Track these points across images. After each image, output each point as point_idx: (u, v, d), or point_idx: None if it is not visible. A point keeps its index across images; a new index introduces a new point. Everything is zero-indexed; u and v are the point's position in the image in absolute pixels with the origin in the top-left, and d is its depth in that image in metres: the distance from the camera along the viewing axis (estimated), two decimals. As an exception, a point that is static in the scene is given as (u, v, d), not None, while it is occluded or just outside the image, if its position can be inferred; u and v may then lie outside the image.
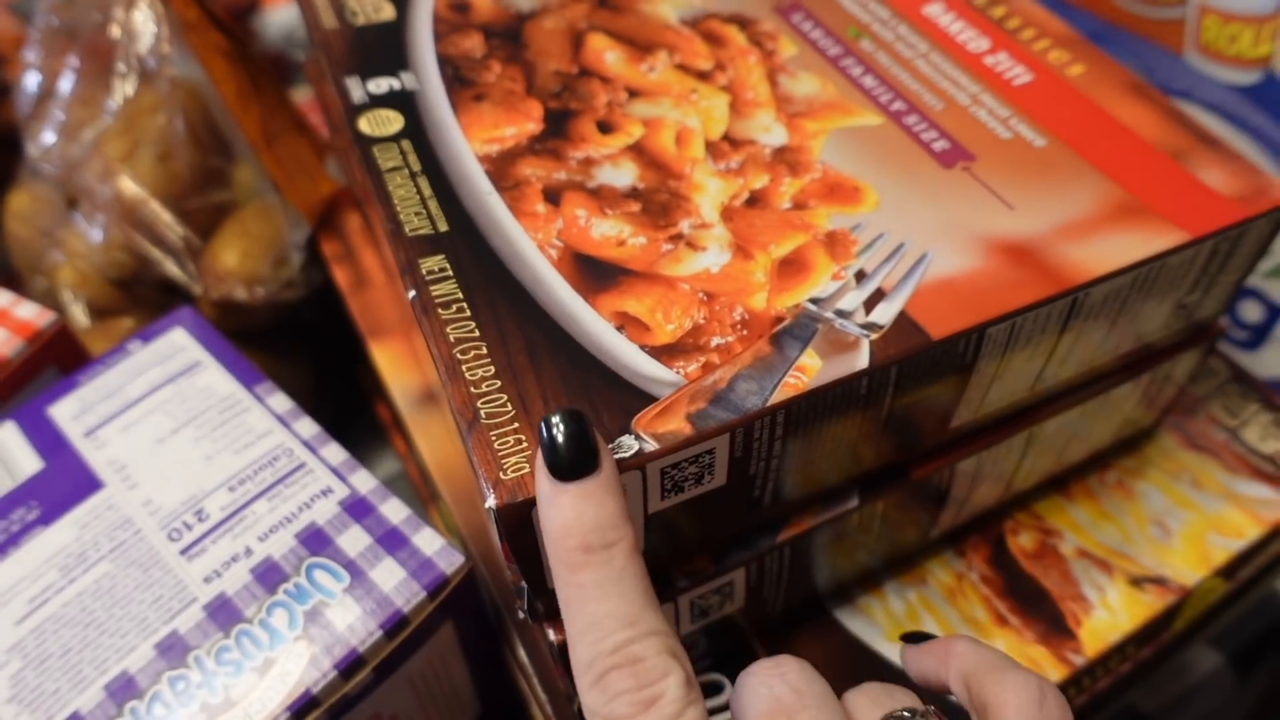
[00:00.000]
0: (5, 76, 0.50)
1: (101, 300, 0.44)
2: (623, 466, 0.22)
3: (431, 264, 0.26)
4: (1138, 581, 0.32)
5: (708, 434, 0.23)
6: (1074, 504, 0.34)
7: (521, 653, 0.31)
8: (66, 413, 0.34)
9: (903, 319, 0.25)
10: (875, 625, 0.32)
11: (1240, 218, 0.28)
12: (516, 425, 0.23)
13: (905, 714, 0.21)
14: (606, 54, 0.33)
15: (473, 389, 0.23)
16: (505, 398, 0.23)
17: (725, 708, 0.30)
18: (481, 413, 0.23)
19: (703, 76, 0.32)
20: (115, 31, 0.38)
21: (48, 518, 0.31)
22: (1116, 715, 0.45)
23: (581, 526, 0.20)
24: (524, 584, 0.24)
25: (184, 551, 0.30)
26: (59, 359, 0.38)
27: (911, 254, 0.27)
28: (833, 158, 0.30)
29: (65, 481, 0.32)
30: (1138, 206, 0.28)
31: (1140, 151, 0.30)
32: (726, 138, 0.30)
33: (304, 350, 0.48)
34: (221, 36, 0.40)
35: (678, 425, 0.23)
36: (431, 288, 0.26)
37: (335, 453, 0.32)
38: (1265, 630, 0.46)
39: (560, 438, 0.21)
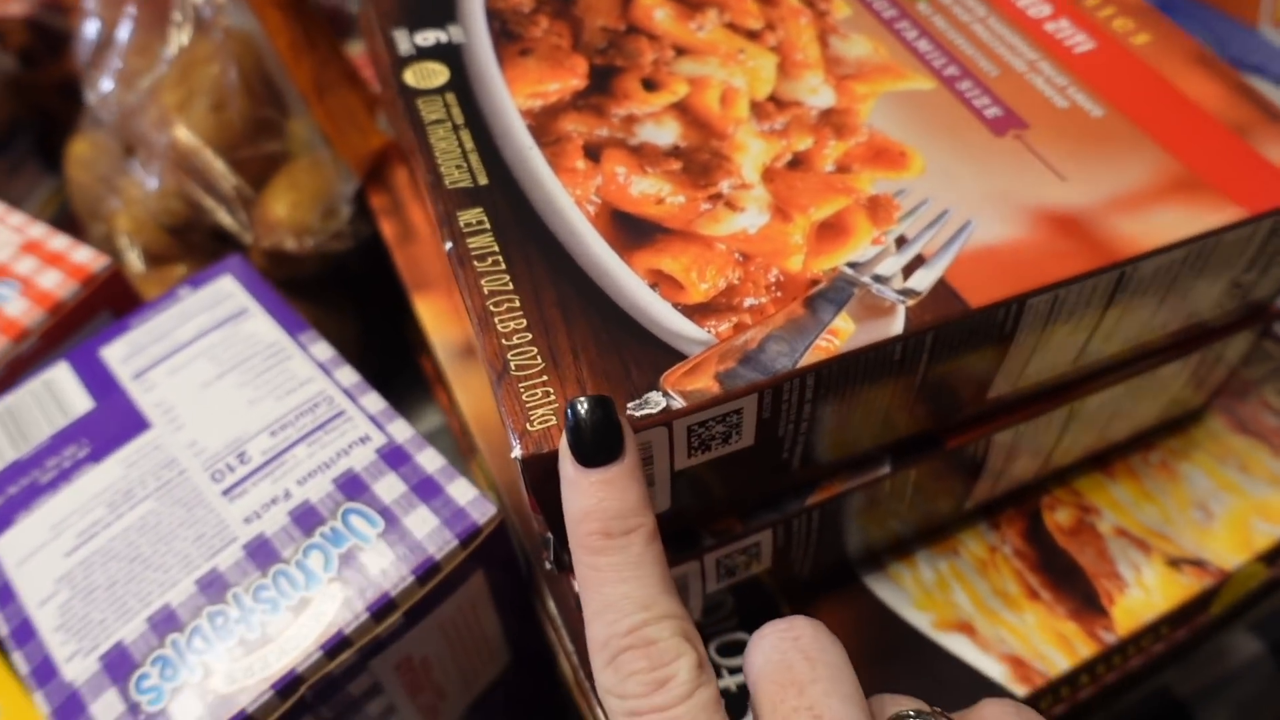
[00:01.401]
0: (66, 24, 0.51)
1: (156, 247, 0.45)
2: (649, 423, 0.22)
3: (470, 216, 0.26)
4: (1176, 563, 0.32)
5: (735, 394, 0.23)
6: (1115, 482, 0.34)
7: (551, 604, 0.32)
8: (117, 355, 0.35)
9: (941, 286, 0.25)
10: (904, 593, 0.32)
11: (1302, 194, 0.27)
12: (545, 378, 0.23)
13: (911, 714, 0.20)
14: (656, 11, 0.33)
15: (504, 341, 0.24)
16: (535, 350, 0.24)
17: (749, 669, 0.30)
18: (511, 364, 0.23)
19: (752, 36, 0.32)
20: (172, -20, 0.39)
21: (97, 455, 0.32)
22: (1150, 697, 0.44)
23: (602, 512, 0.21)
24: (550, 534, 0.25)
25: (226, 492, 0.31)
26: (112, 303, 0.39)
27: (955, 221, 0.26)
28: (880, 121, 0.29)
29: (115, 421, 0.33)
30: (1195, 181, 0.27)
31: (1202, 125, 0.29)
32: (772, 98, 0.30)
33: (350, 302, 0.49)
34: (276, -13, 0.41)
35: (706, 384, 0.23)
36: (468, 240, 0.26)
37: (374, 401, 0.33)
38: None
39: (586, 423, 0.21)
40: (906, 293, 0.25)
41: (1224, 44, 0.40)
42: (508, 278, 0.25)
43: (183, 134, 0.41)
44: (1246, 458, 0.34)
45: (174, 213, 0.43)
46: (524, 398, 0.23)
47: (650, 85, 0.30)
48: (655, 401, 0.22)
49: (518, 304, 0.24)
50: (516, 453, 0.22)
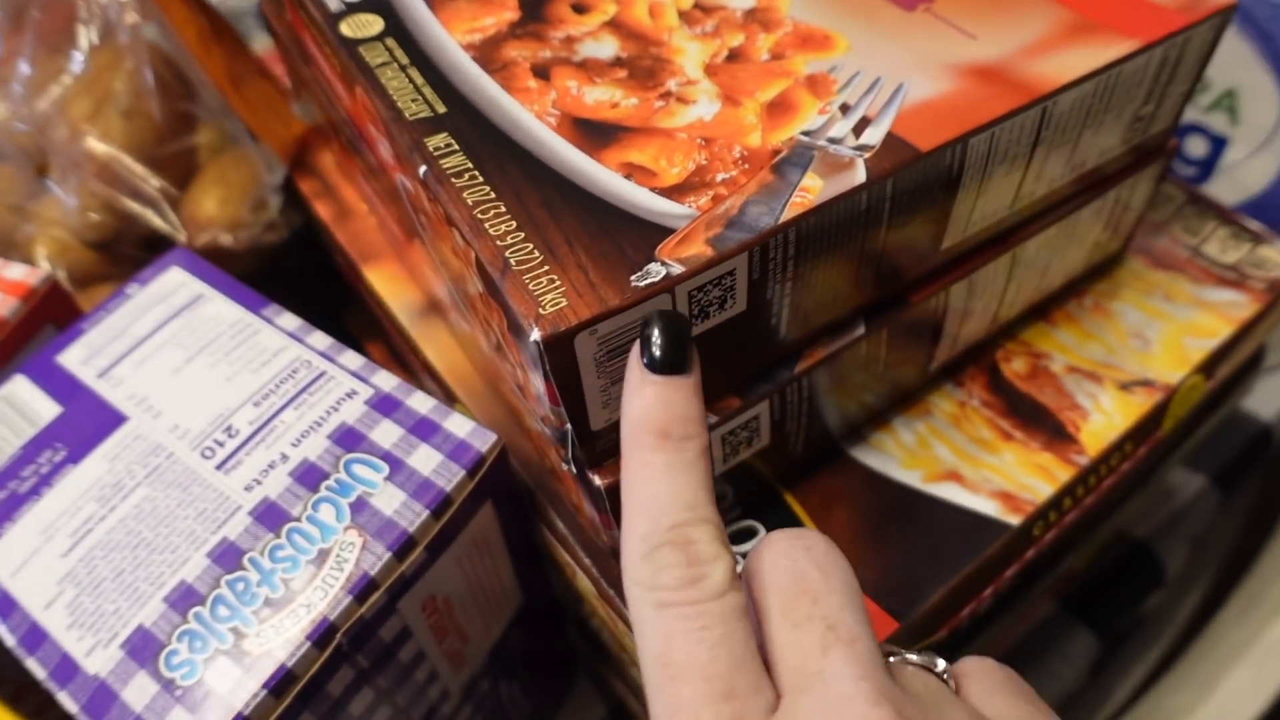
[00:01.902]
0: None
1: (82, 267, 0.44)
2: (653, 291, 0.23)
3: (437, 141, 0.27)
4: (1127, 386, 0.34)
5: (728, 253, 0.24)
6: (1057, 328, 0.36)
7: (560, 524, 0.33)
8: (76, 358, 0.34)
9: (891, 138, 0.27)
10: (890, 456, 0.33)
11: (1184, 24, 0.30)
12: (547, 268, 0.24)
13: (904, 654, 0.21)
14: (567, -56, 0.34)
15: (498, 242, 0.24)
16: (531, 246, 0.24)
17: (760, 549, 0.32)
18: (511, 261, 0.24)
19: (663, -45, 0.33)
20: (70, -17, 0.38)
21: (76, 456, 0.32)
22: (1113, 541, 0.47)
23: (666, 415, 0.21)
24: (568, 426, 0.25)
25: (220, 466, 0.31)
26: (55, 317, 0.38)
27: (889, 85, 0.28)
28: (800, 13, 0.31)
29: (87, 420, 0.33)
30: (1090, 24, 0.30)
31: (1085, -23, 0.32)
32: (697, 6, 0.32)
33: (287, 298, 0.49)
34: (174, -17, 0.41)
35: (699, 249, 0.24)
36: (441, 161, 0.27)
37: (352, 359, 0.33)
38: (1241, 449, 0.49)
39: (658, 335, 0.22)
40: (861, 148, 0.26)
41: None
42: (488, 188, 0.26)
43: (97, 144, 0.41)
44: (1169, 288, 0.37)
45: (99, 226, 0.42)
46: (530, 287, 0.23)
47: (580, 9, 0.31)
48: (655, 271, 0.24)
49: (503, 209, 0.25)
50: (535, 336, 0.23)
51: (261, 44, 0.61)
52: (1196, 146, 0.45)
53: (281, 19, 0.41)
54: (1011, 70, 0.28)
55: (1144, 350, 0.35)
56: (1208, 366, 0.35)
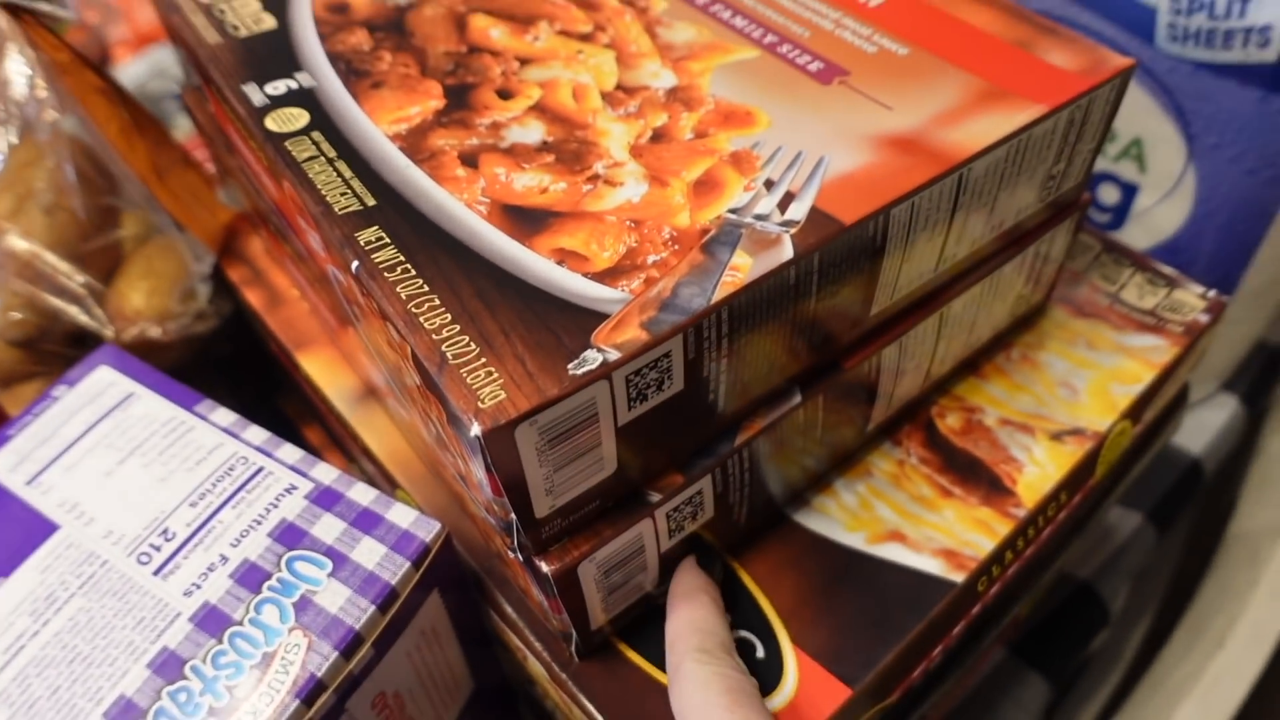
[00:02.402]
0: None
1: (5, 366, 0.43)
2: (590, 378, 0.24)
3: (368, 234, 0.27)
4: (1058, 436, 0.35)
5: (663, 336, 0.24)
6: (988, 382, 0.37)
7: (509, 608, 0.32)
8: (3, 466, 0.33)
9: (815, 213, 0.27)
10: (834, 520, 0.34)
11: (1087, 87, 0.31)
12: (484, 360, 0.24)
13: None
14: (491, 30, 0.34)
15: (434, 336, 0.24)
16: (467, 338, 0.24)
17: (712, 620, 0.32)
18: (448, 354, 0.24)
19: (585, 38, 0.34)
20: (-14, 84, 0.38)
21: (5, 569, 0.31)
22: (1059, 584, 0.48)
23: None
24: (513, 516, 0.25)
25: (157, 572, 0.30)
26: (-21, 421, 0.37)
27: (810, 159, 0.29)
28: (721, 91, 0.32)
29: (16, 531, 0.32)
30: (999, 91, 0.31)
31: (991, 46, 0.33)
32: (620, 87, 0.32)
33: (221, 386, 0.48)
34: (95, 76, 0.40)
35: (634, 334, 0.24)
36: (373, 256, 0.27)
37: (290, 452, 0.33)
38: (1173, 484, 0.51)
39: None
40: (787, 224, 0.27)
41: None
42: (421, 281, 0.26)
43: (18, 241, 0.40)
44: (1091, 336, 0.38)
45: (22, 324, 0.41)
46: (468, 381, 0.23)
47: (505, 94, 0.32)
48: (592, 358, 0.24)
49: (437, 301, 0.25)
50: (475, 431, 0.23)
51: (183, 128, 0.61)
52: (1109, 194, 0.47)
53: (204, 109, 0.41)
54: (927, 139, 0.29)
55: (1072, 399, 0.36)
56: (1134, 412, 0.36)
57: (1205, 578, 0.53)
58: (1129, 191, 0.46)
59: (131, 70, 0.69)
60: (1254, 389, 0.55)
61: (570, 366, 0.24)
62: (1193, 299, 0.39)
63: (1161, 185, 0.45)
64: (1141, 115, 0.44)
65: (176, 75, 0.70)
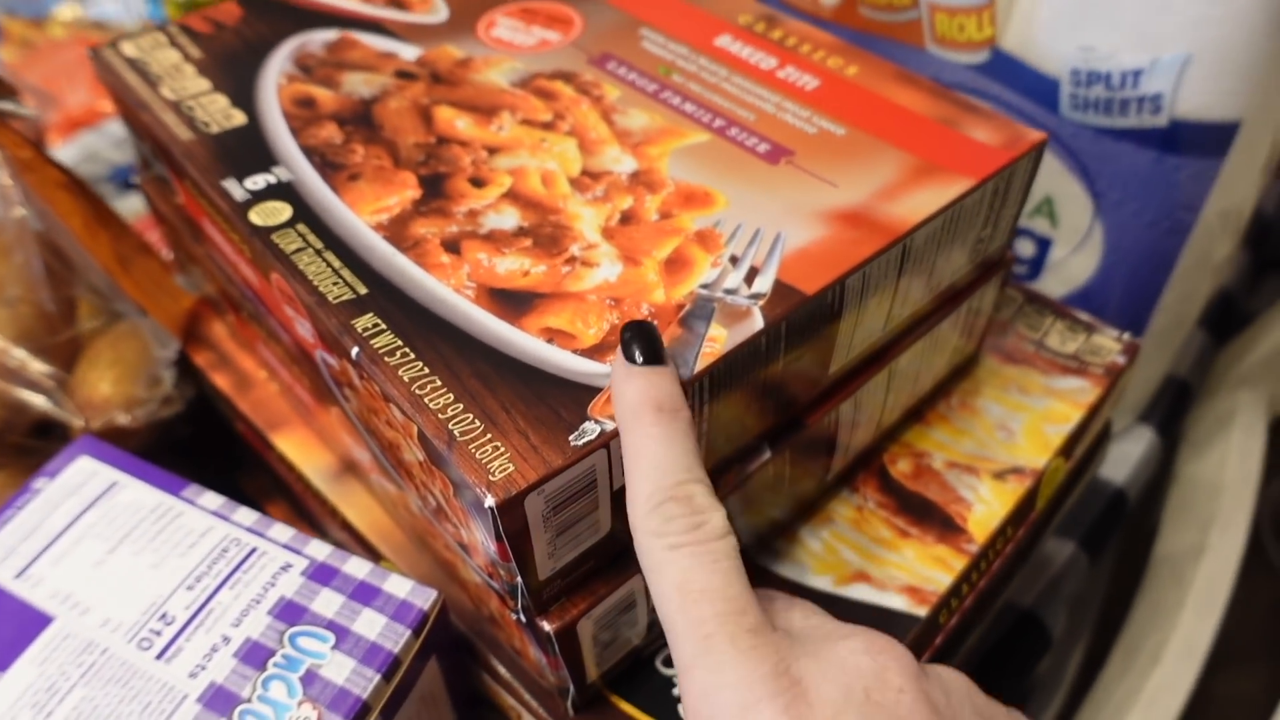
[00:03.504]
0: None
1: (-33, 460, 0.43)
2: (590, 448, 0.26)
3: (364, 321, 0.29)
4: (1001, 475, 0.38)
5: (654, 406, 0.26)
6: (932, 428, 0.40)
7: (502, 669, 0.34)
8: (-12, 562, 0.34)
9: (779, 285, 0.30)
10: (801, 565, 0.36)
11: (1008, 160, 0.35)
12: (489, 435, 0.26)
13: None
14: (456, 121, 0.37)
15: (439, 415, 0.26)
16: (471, 415, 0.26)
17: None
18: (455, 432, 0.26)
19: (547, 126, 0.37)
20: (-45, 184, 0.38)
21: (2, 664, 0.31)
22: (1003, 613, 0.51)
23: (657, 393, 0.25)
24: (518, 580, 0.27)
25: (159, 656, 0.31)
26: (-46, 518, 0.37)
27: (769, 236, 0.32)
28: (679, 173, 0.34)
29: (9, 625, 0.32)
30: (931, 167, 0.34)
31: (920, 124, 0.36)
32: (585, 173, 0.34)
33: (183, 467, 0.48)
34: (58, 171, 0.41)
35: (627, 405, 0.26)
36: (372, 342, 0.28)
37: (282, 531, 0.34)
38: (1100, 514, 0.54)
39: (636, 337, 0.26)
40: (755, 296, 0.30)
41: (904, 66, 0.49)
42: (421, 364, 0.28)
43: (-16, 337, 0.40)
44: (1022, 381, 0.41)
45: (-13, 419, 0.41)
46: (477, 456, 0.25)
47: (478, 182, 0.34)
48: (591, 429, 0.26)
49: (439, 383, 0.27)
50: (490, 502, 0.24)
51: (125, 211, 0.61)
52: (1025, 248, 0.51)
53: (167, 199, 0.42)
54: (872, 213, 0.32)
55: (1010, 440, 0.39)
56: (1066, 449, 0.39)
57: (1135, 600, 0.56)
58: (1043, 245, 0.50)
59: (63, 154, 0.69)
60: (1167, 419, 0.59)
61: (571, 438, 0.26)
62: (1110, 342, 0.43)
63: (1072, 239, 0.49)
64: (1051, 175, 0.48)
65: (108, 159, 0.71)
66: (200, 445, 0.50)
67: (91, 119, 0.72)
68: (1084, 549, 0.52)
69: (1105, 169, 0.46)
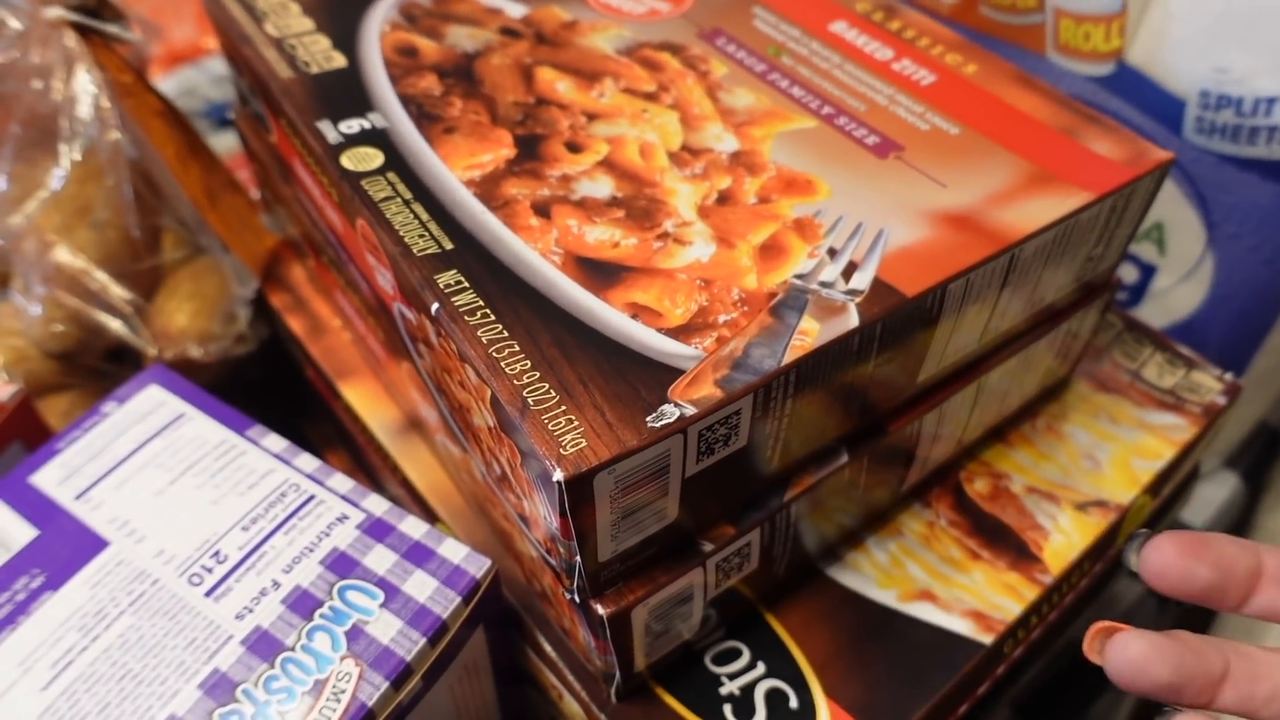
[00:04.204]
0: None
1: (39, 376, 0.43)
2: (668, 431, 0.24)
3: (447, 278, 0.28)
4: (1083, 506, 0.36)
5: (736, 395, 0.25)
6: (1014, 450, 0.38)
7: (548, 647, 0.33)
8: (51, 479, 0.34)
9: (878, 284, 0.28)
10: (866, 576, 0.35)
11: (1131, 177, 0.33)
12: (564, 408, 0.25)
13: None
14: (558, 84, 0.36)
15: (515, 381, 0.25)
16: (547, 385, 0.25)
17: (745, 669, 0.32)
18: (530, 400, 0.25)
19: (649, 97, 0.35)
20: (56, 99, 0.38)
21: (55, 583, 0.31)
22: (1067, 649, 0.49)
23: None
24: (577, 558, 0.26)
25: (209, 593, 0.30)
26: (24, 434, 0.37)
27: (871, 231, 0.30)
28: (782, 157, 0.33)
29: (66, 545, 0.32)
30: (1048, 176, 0.33)
31: (1039, 131, 0.34)
32: (685, 148, 0.33)
33: (250, 409, 0.48)
34: (156, 99, 0.41)
35: (709, 390, 0.25)
36: (453, 299, 0.27)
37: (342, 482, 0.33)
38: (1172, 557, 0.52)
39: None
40: (852, 293, 0.28)
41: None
42: (500, 326, 0.27)
43: (66, 256, 0.40)
44: (1113, 410, 0.40)
45: (63, 336, 0.41)
46: (550, 427, 0.24)
47: (574, 148, 0.33)
48: (670, 412, 0.25)
49: (517, 348, 0.26)
50: (558, 476, 0.23)
51: (219, 148, 0.62)
52: (1128, 273, 0.49)
53: (261, 137, 0.42)
54: (981, 218, 0.31)
55: (1095, 471, 0.37)
56: (1155, 487, 0.38)
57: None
58: (1148, 271, 0.48)
59: (162, 87, 0.70)
60: (1254, 467, 0.57)
61: (649, 419, 0.25)
62: (1210, 380, 0.41)
63: (1180, 268, 0.47)
64: (1165, 201, 0.45)
65: (206, 95, 0.71)
66: (269, 389, 0.50)
67: (194, 54, 0.72)
68: (1153, 593, 0.50)
69: (1224, 199, 0.44)
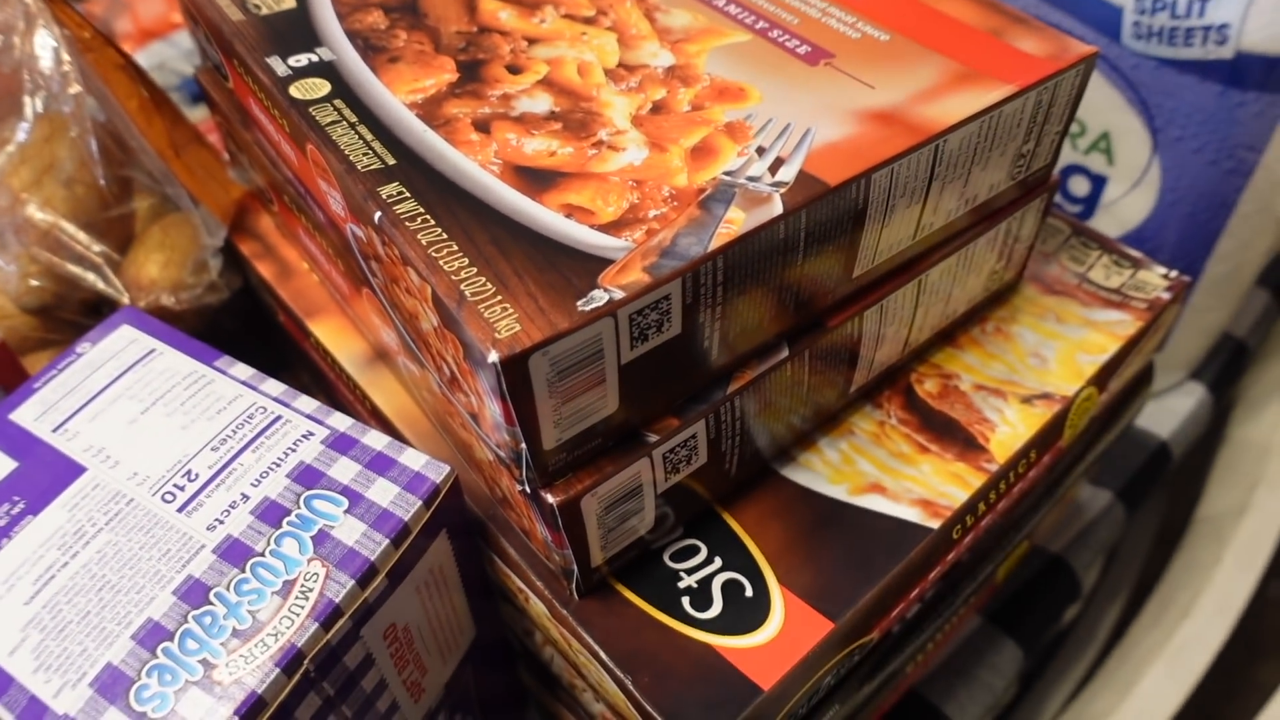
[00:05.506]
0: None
1: (20, 332, 0.44)
2: (597, 314, 0.26)
3: (389, 189, 0.29)
4: (1029, 399, 0.37)
5: (663, 279, 0.26)
6: (963, 351, 0.39)
7: (512, 551, 0.34)
8: (29, 415, 0.35)
9: (803, 176, 0.30)
10: (818, 474, 0.36)
11: (1053, 71, 0.34)
12: (500, 297, 0.26)
13: None
14: (500, 13, 0.37)
15: (453, 276, 0.27)
16: (484, 279, 0.27)
17: (703, 564, 0.34)
18: (466, 292, 0.26)
19: (588, 21, 0.36)
20: (16, 56, 0.40)
21: (35, 508, 0.32)
22: (1032, 557, 0.50)
23: None
24: (524, 446, 0.27)
25: (181, 509, 0.32)
26: (3, 378, 0.39)
27: (798, 129, 0.31)
28: (716, 69, 0.34)
29: (44, 473, 0.33)
30: (973, 74, 0.34)
31: (967, 34, 0.35)
32: (622, 65, 0.34)
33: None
34: (116, 53, 0.42)
35: (638, 276, 0.26)
36: (395, 208, 0.29)
37: (307, 403, 0.35)
38: (1140, 466, 0.53)
39: None
40: (777, 184, 0.29)
41: None
42: (439, 230, 0.28)
43: (38, 212, 0.42)
44: (1060, 311, 0.41)
45: (39, 291, 0.43)
46: (485, 315, 0.26)
47: (514, 70, 0.34)
48: (599, 297, 0.26)
49: (455, 247, 0.27)
50: (493, 358, 0.25)
51: (192, 117, 0.63)
52: (1079, 186, 0.50)
53: (220, 87, 0.43)
54: (906, 114, 0.32)
55: (1042, 367, 0.39)
56: (1100, 379, 0.39)
57: (1173, 557, 0.55)
58: (1098, 183, 0.49)
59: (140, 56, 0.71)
60: (1220, 378, 0.58)
61: (579, 303, 0.26)
62: (1156, 279, 0.42)
63: (1129, 177, 0.48)
64: (1109, 109, 0.46)
65: (177, 69, 0.72)
66: (244, 342, 0.51)
67: (164, 29, 0.73)
68: (1121, 500, 0.51)
69: (1166, 103, 0.44)
